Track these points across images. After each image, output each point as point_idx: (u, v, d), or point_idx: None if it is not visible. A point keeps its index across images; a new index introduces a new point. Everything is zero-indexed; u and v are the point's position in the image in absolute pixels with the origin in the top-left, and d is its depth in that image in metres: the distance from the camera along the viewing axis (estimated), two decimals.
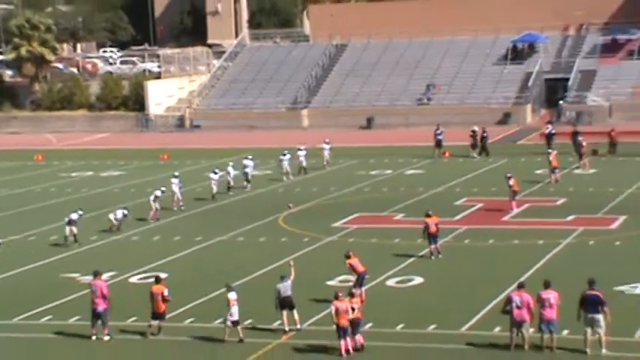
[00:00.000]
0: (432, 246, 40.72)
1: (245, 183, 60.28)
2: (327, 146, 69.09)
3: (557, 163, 58.59)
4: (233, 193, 58.61)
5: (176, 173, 56.71)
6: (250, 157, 62.61)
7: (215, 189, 56.88)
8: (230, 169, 59.50)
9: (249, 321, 32.62)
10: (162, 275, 34.93)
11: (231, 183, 58.98)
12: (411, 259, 40.70)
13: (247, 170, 60.81)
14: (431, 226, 40.56)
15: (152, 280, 33.14)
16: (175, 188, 54.65)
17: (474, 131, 71.28)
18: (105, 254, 44.22)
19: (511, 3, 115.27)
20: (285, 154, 64.16)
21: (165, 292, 31.66)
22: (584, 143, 63.83)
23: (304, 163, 65.87)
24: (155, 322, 31.66)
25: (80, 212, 47.25)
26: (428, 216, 40.87)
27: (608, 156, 67.48)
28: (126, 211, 49.81)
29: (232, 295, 30.98)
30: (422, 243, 41.39)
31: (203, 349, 30.55)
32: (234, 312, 30.82)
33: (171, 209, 53.42)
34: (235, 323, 30.87)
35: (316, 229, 47.68)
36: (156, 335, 31.61)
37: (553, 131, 70.95)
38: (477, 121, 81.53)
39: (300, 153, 66.17)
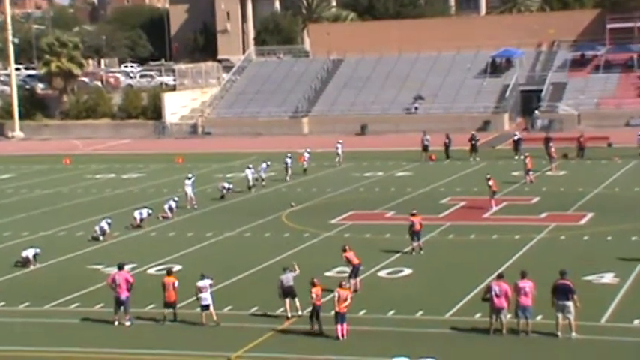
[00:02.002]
0: (415, 243, 40.57)
1: (261, 182, 60.70)
2: (340, 146, 69.76)
3: (531, 166, 58.58)
4: (257, 189, 59.33)
5: (189, 175, 56.67)
6: (269, 162, 62.81)
7: (224, 192, 56.74)
8: (248, 171, 59.57)
9: (255, 308, 32.63)
10: (177, 267, 34.88)
11: (251, 183, 59.05)
12: (401, 253, 40.66)
13: (261, 173, 60.98)
14: (415, 224, 40.46)
15: (165, 272, 33.15)
16: (188, 189, 54.59)
17: (473, 136, 71.35)
18: (126, 248, 44.20)
19: (490, 22, 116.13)
20: (289, 157, 64.32)
21: (176, 284, 31.73)
22: (552, 149, 63.81)
23: (306, 165, 66.08)
24: (167, 311, 31.67)
25: (109, 221, 47.08)
26: (413, 215, 40.78)
27: (577, 159, 67.47)
28: (151, 211, 49.83)
29: (200, 283, 31.29)
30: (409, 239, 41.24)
31: (213, 333, 30.51)
32: (203, 297, 31.04)
33: (185, 208, 53.34)
34: (204, 307, 31.04)
35: (315, 225, 47.62)
36: (172, 321, 31.59)
37: (521, 138, 71.35)
38: (459, 128, 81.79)
39: (305, 155, 66.41)
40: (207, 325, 30.98)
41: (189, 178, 55.41)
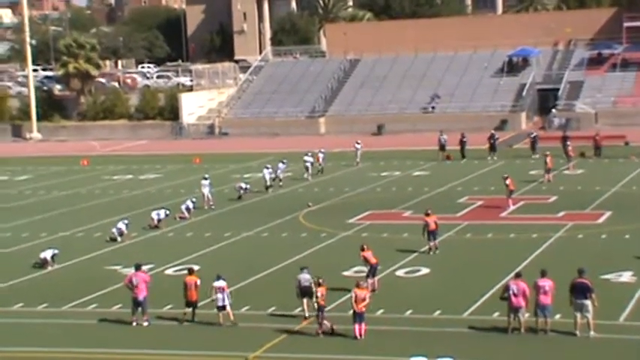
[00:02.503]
0: (431, 243, 40.50)
1: (279, 182, 60.74)
2: (359, 146, 69.79)
3: (552, 165, 58.39)
4: (275, 189, 59.41)
5: (206, 176, 56.72)
6: (285, 160, 62.89)
7: (241, 192, 56.72)
8: (265, 171, 59.68)
9: (272, 308, 32.62)
10: (195, 267, 34.90)
11: (268, 183, 59.13)
12: (418, 252, 40.57)
13: (279, 172, 61.03)
14: (430, 224, 40.33)
15: (186, 271, 33.18)
16: (205, 190, 54.64)
17: (492, 135, 71.30)
18: (144, 249, 44.26)
19: (507, 21, 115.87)
20: (308, 154, 64.80)
21: (198, 282, 31.77)
22: (570, 147, 63.63)
23: (322, 165, 66.21)
24: (189, 310, 31.70)
25: (127, 222, 47.24)
26: (427, 215, 40.63)
27: (594, 158, 67.24)
28: (168, 212, 49.88)
29: (216, 284, 31.30)
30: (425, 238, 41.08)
31: (230, 333, 30.51)
32: (219, 298, 31.04)
33: (202, 208, 53.36)
34: (220, 308, 31.05)
35: (333, 225, 47.59)
36: (190, 321, 31.60)
37: (537, 135, 71.54)
38: (476, 127, 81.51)
39: (320, 155, 66.49)
40: (224, 325, 30.99)
41: (206, 179, 55.48)
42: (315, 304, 29.73)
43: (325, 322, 29.65)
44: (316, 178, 63.96)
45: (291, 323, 30.86)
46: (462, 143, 70.73)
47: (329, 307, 31.99)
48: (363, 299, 29.20)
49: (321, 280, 30.23)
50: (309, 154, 65.42)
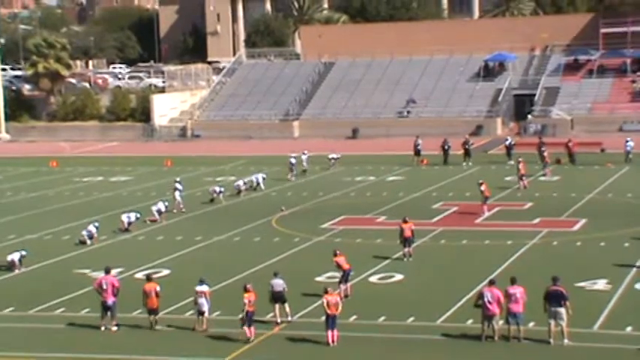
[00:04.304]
0: (406, 249, 40.56)
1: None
2: (335, 155, 70.73)
3: (525, 171, 58.62)
4: (246, 193, 59.17)
5: (178, 179, 56.61)
6: (264, 176, 62.22)
7: (214, 195, 56.63)
8: (240, 182, 59.62)
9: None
10: (165, 271, 34.77)
11: (242, 188, 58.97)
12: (391, 259, 40.61)
13: (261, 185, 60.86)
14: (405, 230, 40.37)
15: (156, 275, 33.04)
16: (177, 193, 54.50)
17: (466, 140, 71.44)
18: (114, 252, 44.07)
19: (483, 26, 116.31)
20: (292, 155, 65.70)
21: (158, 289, 31.58)
22: (545, 154, 63.96)
23: (306, 166, 66.78)
24: (152, 317, 31.55)
25: (97, 225, 47.07)
26: (405, 222, 40.69)
27: (569, 165, 67.52)
28: (139, 215, 49.70)
29: (199, 288, 31.18)
30: (401, 244, 41.13)
31: (201, 339, 30.42)
32: (201, 303, 30.93)
33: (172, 212, 53.19)
34: (200, 313, 30.94)
35: (306, 230, 47.58)
36: (152, 329, 31.41)
37: (513, 142, 71.70)
38: (452, 132, 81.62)
39: (303, 157, 66.86)
40: (196, 331, 30.90)
41: (179, 182, 55.44)
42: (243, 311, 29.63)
43: (252, 328, 29.58)
44: (293, 182, 63.93)
45: (262, 329, 30.78)
46: (446, 149, 70.63)
47: (301, 313, 32.06)
48: (335, 304, 29.23)
49: (249, 286, 30.19)
50: (294, 154, 65.81)
